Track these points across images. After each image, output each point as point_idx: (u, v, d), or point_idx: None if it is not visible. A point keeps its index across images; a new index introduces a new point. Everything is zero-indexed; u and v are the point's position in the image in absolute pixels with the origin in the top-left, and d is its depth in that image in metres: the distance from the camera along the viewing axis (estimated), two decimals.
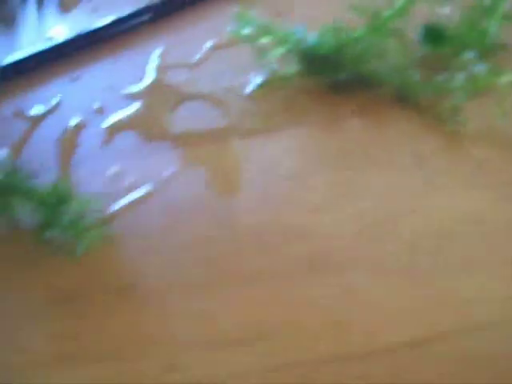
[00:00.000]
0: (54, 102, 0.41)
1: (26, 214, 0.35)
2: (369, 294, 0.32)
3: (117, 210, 0.36)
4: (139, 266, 0.34)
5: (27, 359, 0.31)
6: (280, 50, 0.39)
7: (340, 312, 0.31)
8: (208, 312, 0.32)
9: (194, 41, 0.43)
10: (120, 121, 0.40)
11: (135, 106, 0.40)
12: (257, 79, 0.40)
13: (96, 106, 0.41)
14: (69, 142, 0.39)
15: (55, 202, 0.34)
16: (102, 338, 0.32)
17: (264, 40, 0.39)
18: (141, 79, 0.42)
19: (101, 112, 0.40)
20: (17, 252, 0.35)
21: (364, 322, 0.31)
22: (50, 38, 0.45)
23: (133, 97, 0.41)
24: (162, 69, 0.42)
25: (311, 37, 0.38)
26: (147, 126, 0.39)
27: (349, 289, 0.32)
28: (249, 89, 0.40)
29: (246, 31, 0.39)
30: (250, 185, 0.37)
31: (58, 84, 0.42)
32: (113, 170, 0.38)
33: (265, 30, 0.38)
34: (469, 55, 0.37)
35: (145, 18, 0.44)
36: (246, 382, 0.30)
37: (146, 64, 0.43)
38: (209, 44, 0.43)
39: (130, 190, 0.37)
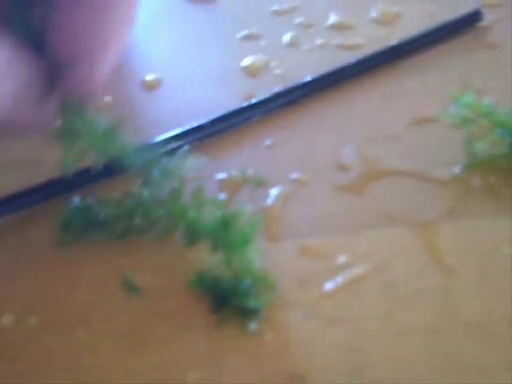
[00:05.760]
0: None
1: None
2: None
3: (330, 290, 0.36)
4: (364, 348, 0.33)
5: None
6: (494, 135, 0.38)
7: None
8: None
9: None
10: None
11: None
12: (459, 160, 0.40)
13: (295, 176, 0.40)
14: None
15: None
16: None
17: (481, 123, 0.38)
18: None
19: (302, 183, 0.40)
20: None
21: None
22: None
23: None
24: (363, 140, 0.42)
25: None
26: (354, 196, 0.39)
27: None
28: (452, 169, 0.40)
29: (462, 114, 0.38)
30: (467, 270, 0.36)
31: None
32: (317, 243, 0.37)
33: (485, 114, 0.38)
34: None
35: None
36: None
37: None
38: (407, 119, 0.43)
39: (342, 268, 0.36)
